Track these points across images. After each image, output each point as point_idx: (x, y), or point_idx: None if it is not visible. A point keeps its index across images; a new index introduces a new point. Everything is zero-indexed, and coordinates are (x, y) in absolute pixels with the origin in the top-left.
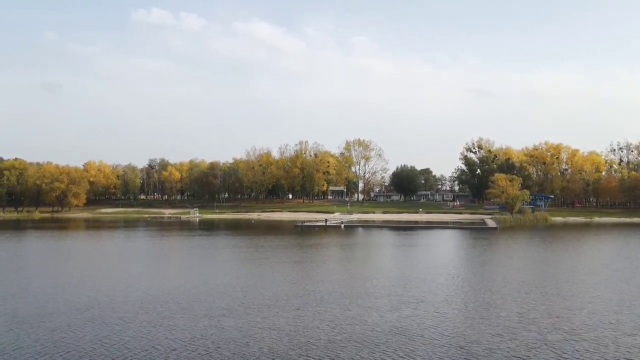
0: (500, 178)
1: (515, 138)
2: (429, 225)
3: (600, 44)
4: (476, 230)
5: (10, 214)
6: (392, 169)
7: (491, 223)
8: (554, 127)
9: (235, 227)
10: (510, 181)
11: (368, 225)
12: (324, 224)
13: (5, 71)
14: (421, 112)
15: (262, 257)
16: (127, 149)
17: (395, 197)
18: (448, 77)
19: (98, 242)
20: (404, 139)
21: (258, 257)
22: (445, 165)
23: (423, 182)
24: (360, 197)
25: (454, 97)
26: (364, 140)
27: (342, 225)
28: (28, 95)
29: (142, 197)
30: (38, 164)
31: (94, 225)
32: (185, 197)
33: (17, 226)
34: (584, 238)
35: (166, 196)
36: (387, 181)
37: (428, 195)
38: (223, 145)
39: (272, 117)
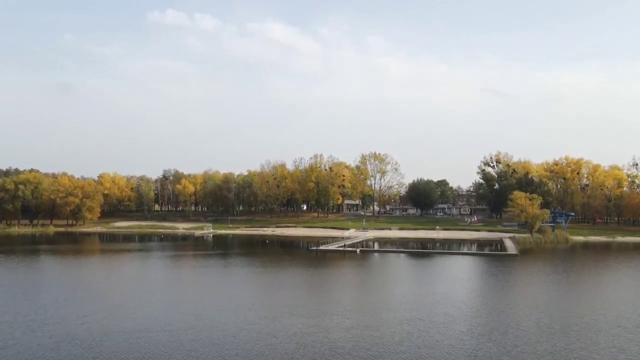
0: (519, 196)
1: (531, 138)
2: (446, 251)
3: (619, 43)
4: (495, 258)
5: (25, 229)
6: (407, 174)
7: (511, 247)
8: (571, 126)
9: (249, 248)
10: (530, 200)
11: (384, 251)
12: (339, 247)
13: (23, 73)
14: (437, 111)
15: (268, 303)
16: (141, 152)
17: (412, 211)
18: (464, 77)
19: (107, 278)
20: (419, 139)
21: (263, 302)
22: (461, 168)
23: (439, 194)
24: (376, 209)
25: (469, 96)
26: (379, 153)
27: (358, 251)
28: (45, 97)
29: (157, 207)
30: (53, 174)
31: (108, 247)
32: (200, 210)
33: (32, 245)
34: (606, 269)
35: (180, 207)
36: (402, 191)
37: (445, 208)
38: (237, 148)
39: (286, 117)
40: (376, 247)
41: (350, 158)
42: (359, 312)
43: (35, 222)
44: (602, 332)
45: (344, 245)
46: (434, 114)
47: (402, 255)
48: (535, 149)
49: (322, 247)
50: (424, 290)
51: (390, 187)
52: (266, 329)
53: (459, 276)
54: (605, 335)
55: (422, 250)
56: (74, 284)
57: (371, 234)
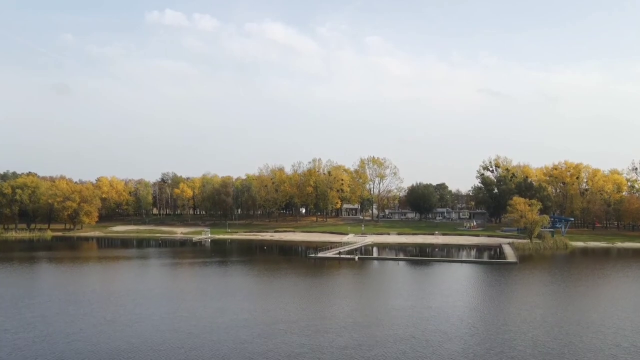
0: (519, 202)
1: (531, 138)
2: (445, 259)
3: (618, 44)
4: (494, 267)
5: (23, 233)
6: (407, 175)
7: (510, 254)
8: (570, 126)
9: (247, 254)
10: (529, 206)
11: (383, 258)
12: (337, 255)
13: (22, 74)
14: (436, 112)
15: (262, 319)
16: (140, 154)
17: (411, 215)
18: (463, 77)
19: (100, 290)
20: (419, 140)
21: (257, 317)
22: (461, 169)
23: (438, 197)
24: (375, 212)
25: (469, 97)
26: (378, 157)
27: (357, 258)
28: (43, 99)
29: (155, 211)
30: (51, 178)
31: (105, 254)
32: (198, 213)
33: (28, 252)
34: (604, 279)
35: (178, 211)
36: (402, 194)
37: (444, 213)
38: (236, 148)
39: (286, 117)
40: (375, 253)
41: (349, 159)
42: (353, 329)
43: (32, 226)
44: (600, 352)
45: (340, 253)
46: (434, 114)
47: (401, 263)
48: (535, 150)
49: (320, 255)
50: (419, 303)
51: (389, 192)
52: (258, 348)
53: (455, 287)
54: (602, 357)
55: (420, 258)
56: (66, 296)
57: (370, 239)
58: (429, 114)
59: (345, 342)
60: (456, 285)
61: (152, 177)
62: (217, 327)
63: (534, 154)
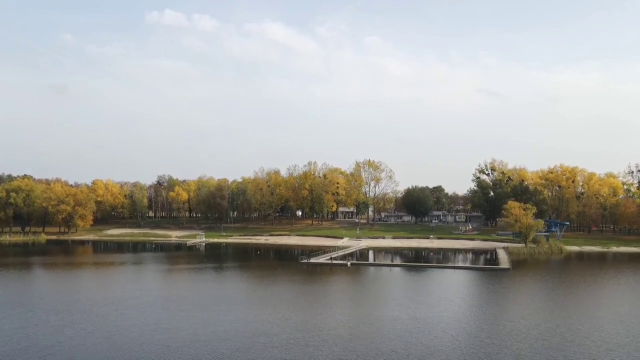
0: (513, 206)
1: (529, 139)
2: (439, 265)
3: (618, 44)
4: (486, 273)
5: (17, 237)
6: (406, 175)
7: (503, 259)
8: (570, 126)
9: (241, 259)
10: (524, 210)
11: (377, 264)
12: (329, 261)
13: (22, 74)
14: (435, 112)
15: (243, 331)
16: (139, 154)
17: (407, 218)
18: (463, 77)
19: (85, 299)
20: (417, 140)
21: (238, 329)
22: (460, 170)
23: (435, 200)
24: (371, 214)
25: (468, 97)
26: (374, 161)
27: (349, 264)
28: (42, 99)
29: (151, 214)
30: (47, 180)
31: (98, 259)
32: (194, 216)
33: (21, 257)
34: (594, 286)
35: (174, 213)
36: (398, 195)
37: (440, 216)
38: (235, 148)
39: (285, 117)
40: (369, 257)
41: (348, 159)
42: (335, 342)
43: (27, 229)
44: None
45: (331, 258)
46: (434, 114)
47: (393, 269)
48: (535, 150)
49: (312, 260)
50: (405, 314)
51: (385, 195)
52: None
53: (443, 296)
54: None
55: (413, 264)
56: (49, 305)
57: (364, 243)
58: (429, 114)
59: (324, 357)
60: (445, 294)
61: (152, 178)
62: (197, 339)
63: (534, 154)
